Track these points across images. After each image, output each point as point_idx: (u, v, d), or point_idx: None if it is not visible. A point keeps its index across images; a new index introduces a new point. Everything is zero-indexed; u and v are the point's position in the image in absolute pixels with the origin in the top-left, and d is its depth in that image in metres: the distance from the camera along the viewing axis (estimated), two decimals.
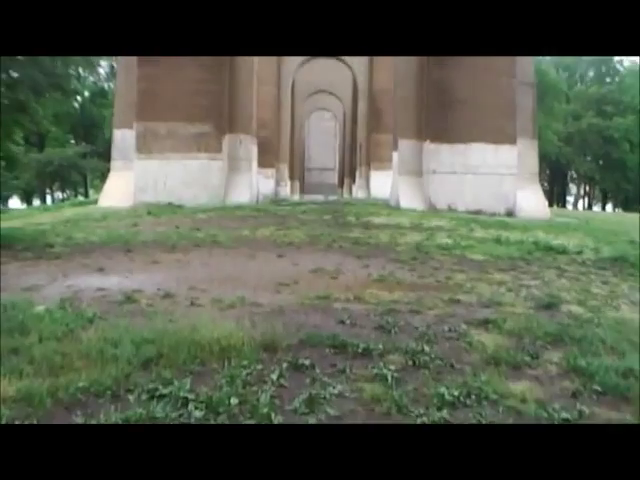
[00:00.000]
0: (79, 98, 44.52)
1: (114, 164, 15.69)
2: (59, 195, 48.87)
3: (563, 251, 6.84)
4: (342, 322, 3.74)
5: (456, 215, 12.03)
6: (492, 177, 13.91)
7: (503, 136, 13.97)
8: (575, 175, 58.49)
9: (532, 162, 15.26)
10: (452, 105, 13.95)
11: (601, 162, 52.23)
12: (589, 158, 53.00)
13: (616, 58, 56.63)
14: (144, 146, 14.07)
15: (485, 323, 3.83)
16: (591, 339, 3.57)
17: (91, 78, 45.62)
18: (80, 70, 45.46)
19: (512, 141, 14.02)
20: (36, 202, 44.18)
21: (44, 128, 33.48)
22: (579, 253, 6.86)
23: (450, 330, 3.68)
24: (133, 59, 14.37)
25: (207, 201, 13.68)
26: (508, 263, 5.94)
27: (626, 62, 56.94)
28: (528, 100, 15.11)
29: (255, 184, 15.13)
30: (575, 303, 4.62)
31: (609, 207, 58.60)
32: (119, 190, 14.56)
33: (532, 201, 14.45)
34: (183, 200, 13.62)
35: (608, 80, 55.75)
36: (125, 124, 15.04)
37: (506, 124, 14.00)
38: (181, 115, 14.05)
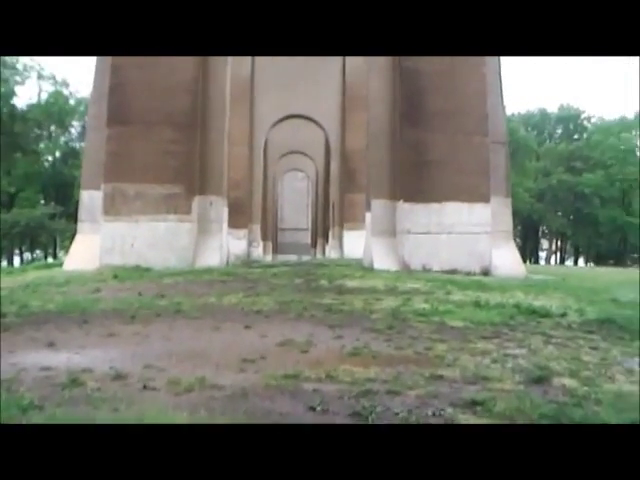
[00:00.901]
0: (50, 158, 44.26)
1: (81, 226, 15.23)
2: (29, 256, 48.15)
3: (546, 314, 6.52)
4: (312, 408, 3.29)
5: (431, 276, 11.74)
6: (467, 236, 13.73)
7: (477, 195, 13.84)
8: (547, 231, 59.14)
9: (506, 220, 15.15)
10: (425, 165, 13.84)
11: (572, 217, 52.90)
12: (560, 214, 53.73)
13: (582, 115, 58.01)
14: (112, 208, 13.69)
15: (473, 405, 3.42)
16: (592, 421, 3.21)
17: (63, 138, 45.39)
18: (52, 129, 45.55)
19: (486, 200, 13.89)
20: (4, 263, 43.54)
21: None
22: (563, 315, 6.55)
23: (434, 414, 3.26)
24: (102, 119, 14.12)
25: (176, 264, 13.28)
26: (490, 330, 5.59)
27: (593, 119, 58.39)
28: (501, 158, 15.08)
29: (225, 246, 14.76)
30: (567, 375, 4.24)
31: (581, 261, 59.25)
32: (85, 253, 14.11)
33: (507, 259, 14.27)
34: (151, 263, 13.21)
35: (576, 137, 56.99)
36: (93, 185, 14.66)
37: (480, 183, 13.90)
38: (150, 176, 13.74)
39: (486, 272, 13.52)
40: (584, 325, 6.13)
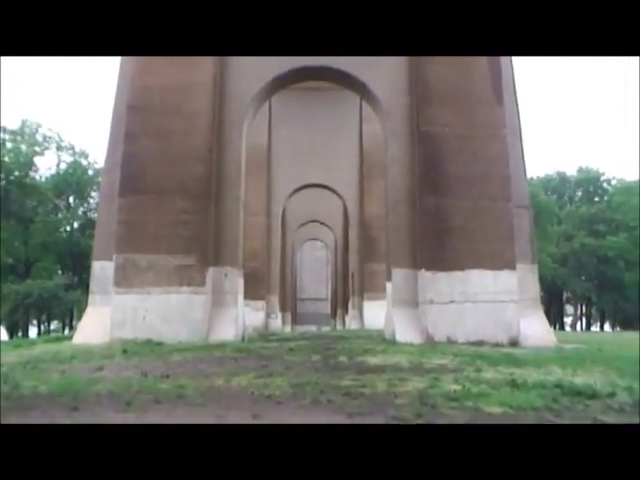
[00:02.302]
0: (68, 228, 44.52)
1: (92, 298, 14.80)
2: (46, 327, 47.99)
3: (593, 394, 5.81)
4: None
5: (458, 349, 11.04)
6: (493, 305, 13.09)
7: (502, 262, 13.26)
8: (571, 296, 58.08)
9: (533, 287, 14.53)
10: (447, 232, 13.33)
11: (597, 282, 51.92)
12: (584, 278, 52.79)
13: (602, 177, 57.73)
14: (123, 279, 13.27)
15: None
16: None
17: (81, 208, 45.76)
18: (70, 200, 46.06)
19: (512, 266, 13.30)
20: (17, 335, 43.46)
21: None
22: (611, 396, 5.83)
23: None
24: (115, 188, 13.86)
25: (189, 338, 12.74)
26: (533, 416, 4.91)
27: (613, 180, 58.08)
28: (525, 223, 14.57)
29: (241, 319, 14.17)
30: None
31: (607, 326, 58.01)
32: (96, 325, 13.64)
33: (536, 328, 13.59)
34: (163, 336, 12.70)
35: (597, 199, 56.51)
36: (105, 255, 14.30)
37: (505, 249, 13.34)
38: (163, 247, 13.35)
39: (514, 342, 12.85)
40: (637, 407, 5.42)
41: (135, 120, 13.92)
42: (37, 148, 42.98)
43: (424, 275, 13.27)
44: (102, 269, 14.52)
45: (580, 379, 6.75)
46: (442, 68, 13.98)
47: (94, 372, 7.66)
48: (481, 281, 13.12)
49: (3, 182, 38.47)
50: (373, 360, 8.71)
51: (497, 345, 12.52)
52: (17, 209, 39.07)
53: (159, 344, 12.16)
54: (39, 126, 43.45)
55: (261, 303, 25.99)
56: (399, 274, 13.91)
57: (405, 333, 13.15)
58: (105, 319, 13.26)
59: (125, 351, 10.65)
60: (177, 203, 13.51)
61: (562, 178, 60.38)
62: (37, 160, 43.81)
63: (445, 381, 6.47)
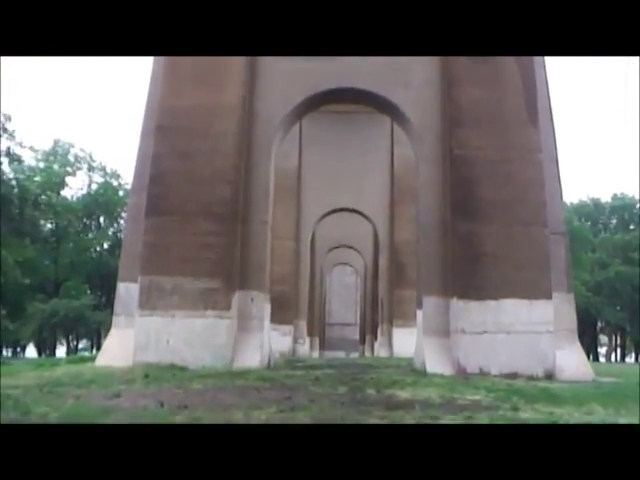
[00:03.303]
0: (98, 248, 44.85)
1: (116, 320, 14.61)
2: (76, 345, 48.33)
3: None
4: None
5: (491, 382, 10.54)
6: (527, 336, 12.57)
7: (537, 291, 12.77)
8: (605, 325, 56.81)
9: (569, 318, 13.95)
10: (480, 259, 12.88)
11: (631, 311, 50.67)
12: (619, 307, 51.56)
13: (638, 205, 56.70)
14: (147, 302, 13.02)
15: None
16: None
17: (111, 229, 46.09)
18: (101, 220, 46.44)
19: (547, 296, 12.79)
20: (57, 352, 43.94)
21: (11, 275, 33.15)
22: None
23: None
24: (142, 210, 13.69)
25: (212, 363, 12.42)
26: None
27: None
28: (561, 250, 14.04)
29: (267, 345, 13.82)
30: None
31: None
32: (119, 348, 13.42)
33: (573, 361, 13.03)
34: (187, 361, 12.41)
35: (632, 227, 55.41)
36: (130, 277, 14.12)
37: (540, 277, 12.84)
38: (188, 269, 13.09)
39: (550, 375, 12.31)
40: None
41: (162, 141, 13.77)
42: (69, 168, 43.49)
43: (456, 304, 12.82)
44: (127, 291, 14.34)
45: (624, 419, 6.27)
46: (474, 89, 13.64)
47: (110, 399, 7.37)
48: (515, 311, 12.63)
49: (36, 200, 38.94)
50: (402, 394, 8.26)
51: (532, 378, 12.01)
52: (47, 228, 39.45)
53: (182, 369, 11.89)
54: (71, 146, 44.02)
55: (289, 328, 25.68)
56: (430, 302, 13.47)
57: (436, 364, 12.68)
58: (129, 341, 13.03)
59: (147, 376, 10.39)
60: (203, 225, 13.28)
61: (596, 204, 59.42)
62: (69, 180, 44.36)
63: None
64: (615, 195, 58.52)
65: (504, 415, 6.11)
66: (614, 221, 58.78)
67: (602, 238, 54.75)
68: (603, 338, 60.31)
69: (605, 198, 59.80)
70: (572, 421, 6.00)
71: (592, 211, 58.90)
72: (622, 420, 6.18)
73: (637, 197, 57.34)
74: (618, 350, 57.73)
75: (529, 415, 6.22)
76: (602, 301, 49.87)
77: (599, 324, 56.56)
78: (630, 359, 57.26)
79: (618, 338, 57.92)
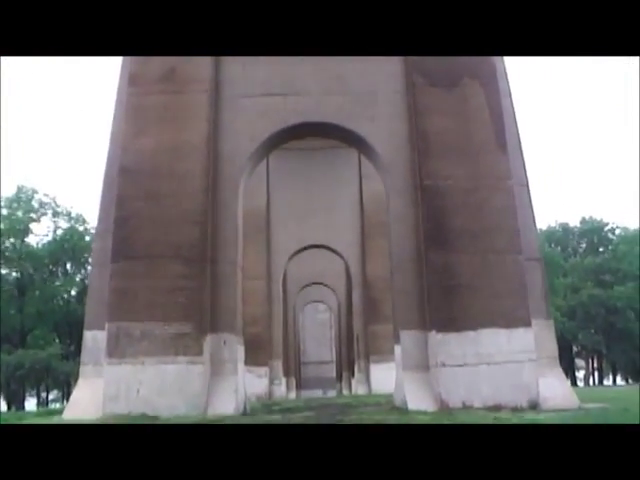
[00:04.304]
0: (65, 295, 43.88)
1: (83, 369, 14.01)
2: (46, 396, 47.04)
3: None
4: None
5: (476, 416, 10.20)
6: (509, 366, 12.30)
7: (516, 319, 12.53)
8: (581, 349, 56.99)
9: (550, 344, 13.72)
10: (456, 289, 12.64)
11: (606, 333, 50.96)
12: (593, 330, 51.83)
13: (606, 227, 57.52)
14: (116, 349, 12.51)
15: None
16: None
17: (79, 275, 45.16)
18: (67, 266, 45.53)
19: (527, 323, 12.56)
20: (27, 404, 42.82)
21: None
22: None
23: None
24: (107, 254, 13.25)
25: (186, 411, 11.93)
26: None
27: (617, 230, 57.82)
28: (537, 276, 13.88)
29: (242, 389, 13.34)
30: None
31: (619, 379, 56.97)
32: (88, 399, 12.85)
33: (557, 389, 12.78)
34: (159, 410, 11.90)
35: (602, 249, 56.08)
36: (97, 325, 13.59)
37: (518, 305, 12.62)
38: (157, 314, 12.64)
39: (534, 405, 12.02)
40: None
41: (127, 183, 13.41)
42: (33, 215, 42.77)
43: (434, 337, 12.52)
44: (94, 339, 13.80)
45: None
46: (441, 119, 13.54)
47: None
48: (495, 341, 12.37)
49: None
50: None
51: (516, 409, 11.73)
52: (12, 277, 38.53)
53: (154, 419, 11.42)
54: (35, 192, 43.32)
55: (264, 369, 25.19)
56: (407, 336, 13.15)
57: (417, 400, 12.32)
58: (97, 392, 12.48)
59: None
60: (171, 268, 12.87)
61: (565, 229, 60.09)
62: (33, 226, 43.58)
63: None
64: (583, 219, 59.28)
65: None
66: (583, 245, 59.47)
67: (573, 262, 55.24)
68: (579, 362, 60.50)
69: (574, 223, 60.60)
70: None
71: (561, 236, 59.53)
72: None
73: (605, 220, 58.22)
74: (595, 373, 57.85)
75: None
76: (577, 325, 50.08)
77: (574, 348, 56.72)
78: (608, 381, 57.45)
79: (595, 361, 58.11)
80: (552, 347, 13.77)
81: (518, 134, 14.92)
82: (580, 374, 60.16)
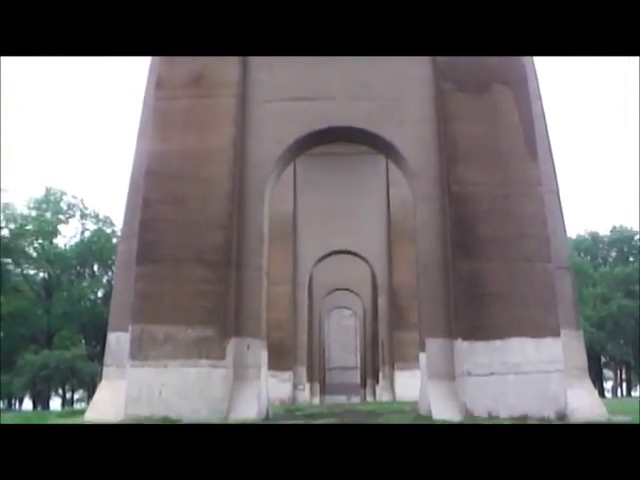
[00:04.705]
0: (92, 297, 44.26)
1: (106, 371, 14.03)
2: (72, 396, 47.50)
3: None
4: None
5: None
6: (537, 376, 12.03)
7: (545, 328, 12.27)
8: (609, 360, 56.04)
9: (579, 355, 13.43)
10: (484, 298, 12.41)
11: (636, 344, 49.98)
12: (622, 341, 50.90)
13: (636, 237, 56.49)
14: (139, 352, 12.48)
15: None
16: None
17: (105, 277, 45.50)
18: (95, 268, 45.90)
19: (555, 333, 12.29)
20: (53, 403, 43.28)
21: None
22: None
23: None
24: (132, 257, 13.26)
25: (208, 415, 11.86)
26: None
27: None
28: (566, 285, 13.60)
29: (265, 394, 13.24)
30: None
31: None
32: (110, 401, 12.85)
33: (585, 401, 12.50)
34: (181, 413, 11.84)
35: (632, 259, 55.06)
36: (120, 327, 13.60)
37: (547, 315, 12.36)
38: (181, 318, 12.59)
39: (562, 417, 11.72)
40: None
41: (152, 187, 13.42)
42: (62, 216, 43.18)
43: (460, 345, 12.31)
44: (117, 341, 13.82)
45: None
46: (470, 125, 13.35)
47: None
48: (523, 350, 12.12)
49: (28, 249, 38.47)
50: None
51: (543, 420, 11.46)
52: (40, 277, 38.90)
53: (176, 422, 11.35)
54: (63, 194, 43.73)
55: (288, 374, 25.10)
56: (433, 344, 12.95)
57: (442, 409, 12.11)
58: (120, 394, 12.47)
59: None
60: (196, 272, 12.83)
61: (594, 238, 59.16)
62: (61, 228, 44.01)
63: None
64: (614, 228, 58.35)
65: None
66: (613, 254, 58.50)
67: (602, 272, 54.29)
68: (608, 372, 59.57)
69: (603, 231, 59.69)
70: None
71: (591, 245, 58.61)
72: None
73: (635, 229, 57.28)
74: (623, 384, 56.89)
75: None
76: (606, 336, 49.24)
77: (603, 359, 55.82)
78: (636, 393, 56.51)
79: (623, 372, 57.14)
80: (581, 358, 13.49)
81: (548, 138, 14.66)
82: (608, 385, 59.24)
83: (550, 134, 14.78)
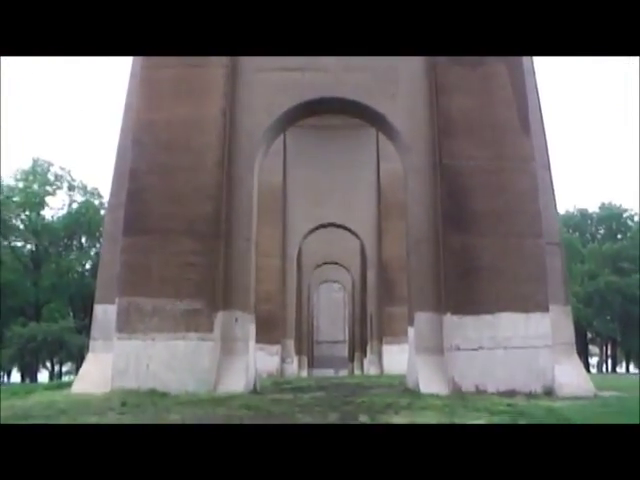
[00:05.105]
0: (80, 269, 43.92)
1: (93, 344, 13.92)
2: (60, 368, 47.44)
3: None
4: None
5: (490, 402, 9.97)
6: (525, 351, 12.04)
7: (534, 304, 12.25)
8: (595, 336, 56.46)
9: (567, 331, 13.47)
10: (474, 272, 12.35)
11: (622, 321, 50.32)
12: (609, 318, 51.19)
13: (625, 214, 56.57)
14: (126, 324, 12.37)
15: None
16: None
17: (94, 249, 45.11)
18: (83, 240, 45.50)
19: (544, 308, 12.28)
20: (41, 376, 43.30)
21: None
22: None
23: None
24: (119, 228, 13.07)
25: (195, 388, 11.80)
26: None
27: (636, 217, 56.87)
28: (556, 261, 13.56)
29: (253, 367, 13.17)
30: None
31: (632, 367, 56.66)
32: (97, 374, 12.75)
33: (573, 376, 12.51)
34: (168, 386, 11.78)
35: (620, 236, 55.21)
36: (108, 299, 13.44)
37: (537, 290, 12.33)
38: (169, 290, 12.47)
39: (549, 392, 11.76)
40: None
41: (140, 156, 13.19)
42: (49, 188, 42.65)
43: (450, 319, 12.27)
44: (104, 313, 13.68)
45: None
46: (464, 97, 13.18)
47: None
48: (512, 325, 12.10)
49: (15, 221, 38.11)
50: (398, 421, 7.60)
51: (530, 395, 11.50)
52: (28, 249, 38.57)
53: (163, 395, 11.32)
54: (50, 165, 43.15)
55: (276, 347, 25.10)
56: (422, 318, 12.91)
57: (430, 383, 12.10)
58: (107, 367, 12.38)
59: (124, 404, 9.77)
60: (184, 244, 12.67)
61: (583, 215, 59.27)
62: (49, 199, 43.51)
63: None
64: (602, 204, 58.47)
65: None
66: (602, 231, 58.66)
67: (591, 248, 54.49)
68: (593, 348, 60.06)
69: (592, 208, 59.79)
70: None
71: (580, 222, 58.74)
72: None
73: (624, 206, 57.39)
74: (609, 361, 57.42)
75: None
76: (593, 312, 49.54)
77: (589, 335, 56.24)
78: (621, 369, 57.07)
79: (609, 349, 57.62)
80: (569, 334, 13.51)
81: (541, 114, 14.53)
82: (593, 361, 59.79)
83: (542, 109, 14.64)
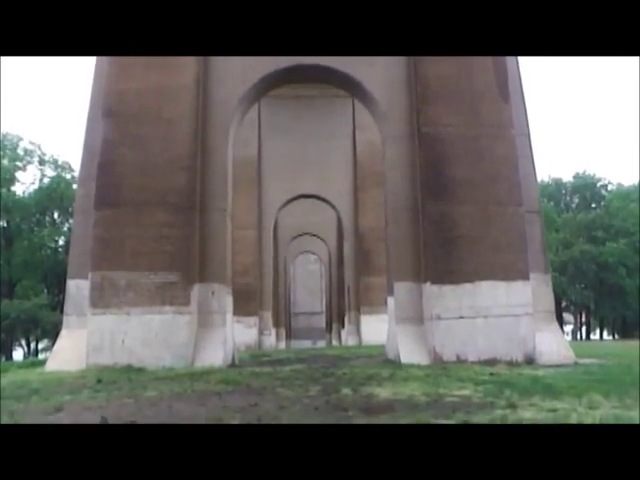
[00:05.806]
0: (53, 245, 43.12)
1: (67, 320, 13.60)
2: (36, 346, 46.87)
3: None
4: None
5: (473, 371, 9.88)
6: (506, 319, 11.98)
7: (514, 272, 12.17)
8: (569, 304, 57.03)
9: (547, 299, 13.43)
10: (454, 241, 12.21)
11: (596, 289, 50.79)
12: (584, 286, 51.65)
13: (600, 183, 56.90)
14: (100, 299, 12.07)
15: None
16: None
17: (66, 224, 44.24)
18: (55, 215, 44.62)
19: (525, 277, 12.21)
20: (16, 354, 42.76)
21: None
22: None
23: None
24: (90, 201, 12.69)
25: (172, 363, 11.60)
26: None
27: (610, 186, 57.24)
28: (536, 229, 13.49)
29: (230, 340, 12.98)
30: None
31: (605, 334, 57.48)
32: (71, 350, 12.46)
33: (553, 344, 12.53)
34: (145, 361, 11.58)
35: (594, 206, 55.58)
36: (81, 274, 13.11)
37: (517, 258, 12.24)
38: (144, 263, 12.18)
39: (530, 360, 11.75)
40: None
41: (111, 127, 12.78)
42: (19, 163, 41.66)
43: (429, 289, 12.14)
44: (77, 288, 13.36)
45: (634, 413, 5.60)
46: (442, 65, 12.90)
47: (50, 414, 6.44)
48: (492, 294, 12.01)
49: None
50: (382, 392, 7.46)
51: (512, 363, 11.46)
52: None
53: (139, 371, 11.09)
54: (20, 139, 42.10)
55: (253, 319, 24.95)
56: (402, 288, 12.77)
57: (410, 353, 12.00)
58: (81, 343, 12.09)
59: (99, 381, 9.52)
60: (158, 216, 12.36)
61: (558, 184, 59.45)
62: (19, 175, 42.51)
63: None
64: (577, 174, 58.64)
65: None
66: (576, 200, 58.87)
67: (565, 218, 54.67)
68: (567, 316, 60.74)
69: (566, 177, 59.96)
70: (585, 422, 5.31)
71: (554, 191, 58.85)
72: (632, 414, 5.52)
73: (598, 176, 57.61)
74: (583, 328, 58.14)
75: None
76: (567, 280, 49.88)
77: (563, 303, 56.82)
78: (595, 336, 57.86)
79: (583, 316, 58.27)
80: (549, 301, 13.48)
81: (520, 81, 14.32)
82: (568, 328, 60.52)
83: (522, 77, 14.44)
